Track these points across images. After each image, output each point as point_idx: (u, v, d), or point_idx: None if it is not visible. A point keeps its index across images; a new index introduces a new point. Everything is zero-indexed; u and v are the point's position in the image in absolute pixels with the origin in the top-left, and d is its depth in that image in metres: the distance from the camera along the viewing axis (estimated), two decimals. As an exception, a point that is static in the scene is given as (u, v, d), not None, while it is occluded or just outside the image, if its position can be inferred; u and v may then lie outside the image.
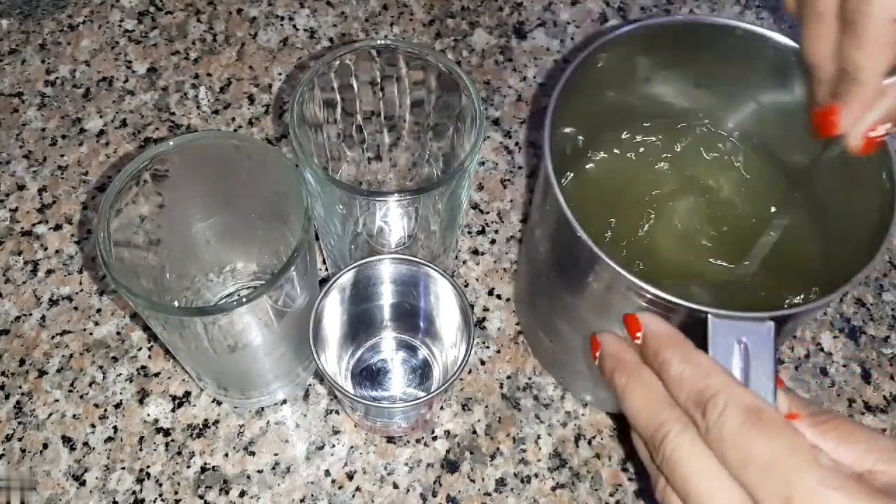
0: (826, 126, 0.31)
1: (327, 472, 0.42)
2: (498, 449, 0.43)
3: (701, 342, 0.29)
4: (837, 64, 0.30)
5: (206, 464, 0.42)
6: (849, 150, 0.32)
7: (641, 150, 0.41)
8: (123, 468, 0.42)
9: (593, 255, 0.30)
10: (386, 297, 0.41)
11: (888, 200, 0.32)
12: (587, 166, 0.41)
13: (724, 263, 0.38)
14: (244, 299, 0.32)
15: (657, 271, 0.37)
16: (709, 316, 0.29)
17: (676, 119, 0.41)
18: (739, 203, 0.40)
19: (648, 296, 0.30)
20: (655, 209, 0.39)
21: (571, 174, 0.41)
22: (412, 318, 0.43)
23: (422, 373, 0.44)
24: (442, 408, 0.44)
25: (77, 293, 0.47)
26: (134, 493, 0.41)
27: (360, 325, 0.43)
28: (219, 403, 0.44)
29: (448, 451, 0.43)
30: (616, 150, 0.41)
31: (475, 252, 0.49)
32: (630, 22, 0.39)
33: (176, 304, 0.41)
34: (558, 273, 0.37)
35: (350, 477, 0.42)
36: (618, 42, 0.36)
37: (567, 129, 0.40)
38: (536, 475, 0.42)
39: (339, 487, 0.42)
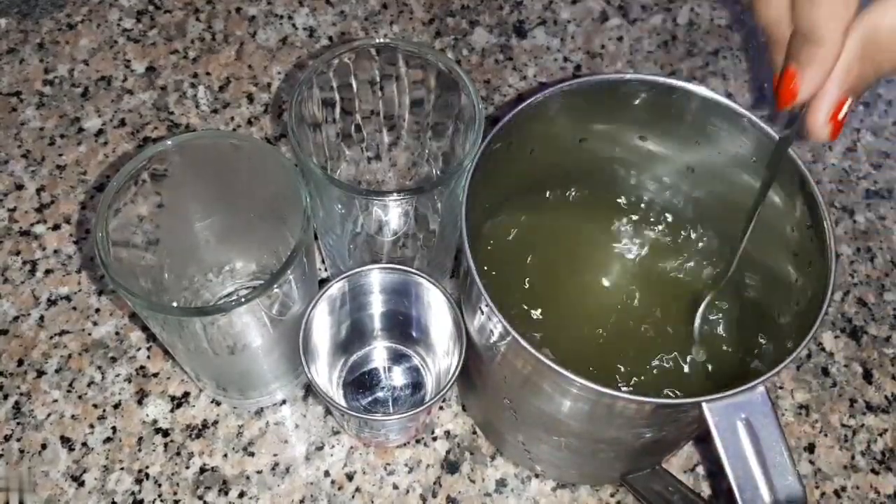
0: (785, 94, 0.27)
1: (327, 473, 0.42)
2: (498, 449, 0.43)
3: (696, 434, 0.29)
4: (792, 23, 0.27)
5: (205, 464, 0.42)
6: (815, 139, 0.28)
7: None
8: (122, 469, 0.42)
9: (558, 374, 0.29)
10: (377, 307, 0.41)
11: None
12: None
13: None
14: (243, 299, 0.32)
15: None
16: (703, 405, 0.29)
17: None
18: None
19: (636, 405, 0.30)
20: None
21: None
22: (404, 328, 0.42)
23: (415, 382, 0.43)
24: (441, 408, 0.44)
25: (75, 293, 0.47)
26: (133, 493, 0.41)
27: (352, 335, 0.42)
28: (218, 404, 0.44)
29: (448, 452, 0.43)
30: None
31: (475, 252, 0.49)
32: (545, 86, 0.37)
33: (175, 304, 0.41)
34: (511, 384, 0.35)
35: (350, 478, 0.42)
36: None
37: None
38: (537, 475, 0.42)
39: (339, 488, 0.42)
